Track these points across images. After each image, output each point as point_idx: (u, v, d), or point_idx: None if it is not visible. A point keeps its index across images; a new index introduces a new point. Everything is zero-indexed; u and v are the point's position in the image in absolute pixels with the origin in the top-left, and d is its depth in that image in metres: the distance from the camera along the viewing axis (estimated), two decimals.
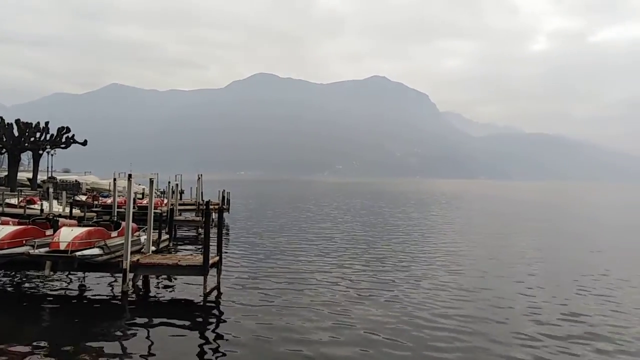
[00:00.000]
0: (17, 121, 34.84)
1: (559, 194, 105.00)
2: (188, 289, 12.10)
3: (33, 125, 35.81)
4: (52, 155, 45.26)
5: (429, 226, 28.86)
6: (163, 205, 25.72)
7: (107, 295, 11.64)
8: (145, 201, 23.62)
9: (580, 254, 19.78)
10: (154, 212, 14.52)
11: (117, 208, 17.65)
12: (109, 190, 34.70)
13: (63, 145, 38.35)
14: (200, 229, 22.21)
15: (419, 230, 26.68)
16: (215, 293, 11.80)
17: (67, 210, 21.64)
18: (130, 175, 12.36)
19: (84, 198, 31.60)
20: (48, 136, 36.89)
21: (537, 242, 23.83)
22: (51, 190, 24.95)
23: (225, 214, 27.86)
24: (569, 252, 20.27)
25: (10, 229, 12.13)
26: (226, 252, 15.62)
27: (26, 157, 46.34)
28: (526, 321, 10.21)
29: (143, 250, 13.06)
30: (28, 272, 12.95)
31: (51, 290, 11.97)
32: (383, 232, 25.33)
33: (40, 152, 37.82)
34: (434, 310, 10.75)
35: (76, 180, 46.08)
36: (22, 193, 27.78)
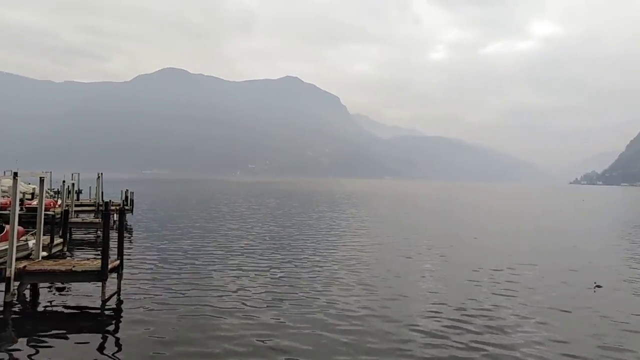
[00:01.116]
0: None
1: (456, 191, 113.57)
2: (85, 296, 11.11)
3: None
4: None
5: (340, 224, 29.52)
6: (57, 206, 23.63)
7: None
8: (35, 202, 21.49)
9: (473, 243, 21.50)
10: (46, 214, 13.30)
11: (1, 210, 15.89)
12: None
13: None
14: (100, 232, 20.73)
15: (330, 228, 27.20)
16: (115, 299, 10.99)
17: None
18: (16, 174, 11.17)
19: None
20: None
21: (440, 235, 25.33)
22: None
23: (128, 215, 26.28)
24: (464, 240, 22.00)
25: None
26: (128, 256, 14.69)
27: None
28: (430, 317, 10.75)
29: (32, 256, 11.92)
30: None
31: None
32: (294, 232, 25.43)
33: None
34: (340, 310, 10.93)
35: None
36: None
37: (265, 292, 12.20)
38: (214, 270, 14.54)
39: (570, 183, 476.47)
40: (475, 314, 10.65)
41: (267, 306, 10.90)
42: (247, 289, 12.46)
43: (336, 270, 15.23)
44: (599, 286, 13.59)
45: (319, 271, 14.98)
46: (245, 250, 18.55)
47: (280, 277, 14.04)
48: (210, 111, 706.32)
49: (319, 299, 11.67)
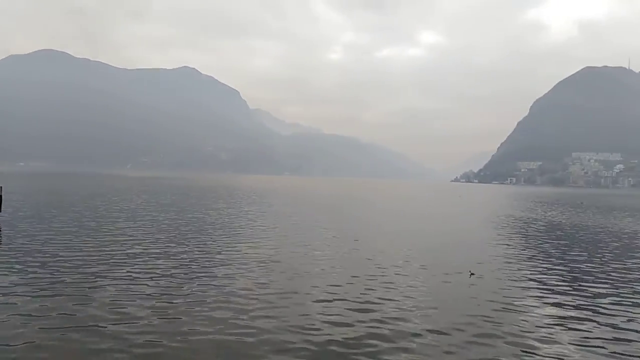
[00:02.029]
0: None
1: (351, 187, 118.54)
2: None
3: None
4: None
5: (238, 222, 28.99)
6: None
7: None
8: None
9: (365, 237, 22.60)
10: None
11: None
12: None
13: None
14: None
15: (227, 226, 26.60)
16: None
17: None
18: None
19: None
20: None
21: (335, 230, 26.10)
22: None
23: None
24: (357, 235, 23.00)
25: None
26: None
27: None
28: (316, 313, 11.09)
29: None
30: None
31: None
32: (190, 230, 24.48)
33: None
34: (231, 309, 10.88)
35: None
36: None
37: (156, 295, 11.53)
38: (98, 275, 13.26)
39: (452, 181, 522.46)
40: (360, 307, 11.19)
41: (152, 312, 10.16)
42: (134, 294, 11.54)
43: (230, 268, 14.98)
44: (472, 274, 15.09)
45: (212, 271, 14.59)
46: (137, 250, 17.41)
47: (170, 276, 13.45)
48: (97, 99, 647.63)
49: (209, 299, 11.41)
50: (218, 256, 16.90)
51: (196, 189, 78.66)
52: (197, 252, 17.47)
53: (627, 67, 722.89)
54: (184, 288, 12.27)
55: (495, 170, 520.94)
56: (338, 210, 43.26)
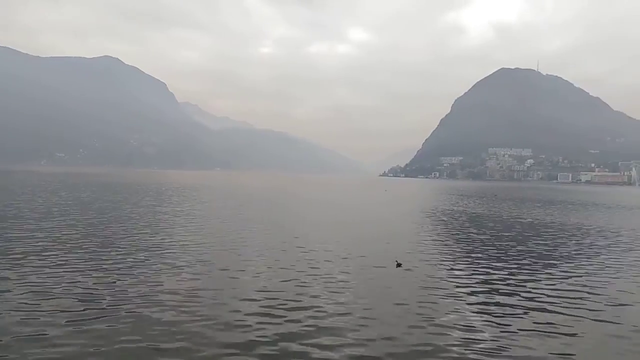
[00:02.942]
0: None
1: (283, 182, 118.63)
2: None
3: None
4: None
5: (167, 220, 28.03)
6: None
7: None
8: None
9: (296, 232, 22.82)
10: None
11: None
12: None
13: None
14: None
15: (154, 226, 25.63)
16: None
17: None
18: None
19: None
20: None
21: (265, 225, 26.13)
22: None
23: None
24: (287, 231, 23.23)
25: None
26: None
27: None
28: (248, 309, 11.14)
29: None
30: None
31: None
32: (113, 231, 23.32)
33: None
34: (158, 310, 10.66)
35: None
36: None
37: (74, 298, 10.94)
38: (6, 279, 12.40)
39: (380, 175, 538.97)
40: (290, 301, 11.39)
41: (67, 321, 9.44)
42: (39, 297, 10.87)
43: (160, 269, 14.48)
44: (399, 264, 15.89)
45: (137, 272, 14.00)
46: (53, 252, 16.31)
47: (90, 280, 12.68)
48: (4, 88, 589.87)
49: (136, 300, 11.06)
50: (143, 255, 16.27)
51: (119, 185, 74.70)
52: (120, 253, 16.71)
53: (536, 69, 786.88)
54: (107, 291, 11.75)
55: (421, 165, 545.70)
56: (269, 205, 43.24)
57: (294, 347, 8.56)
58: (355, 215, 35.79)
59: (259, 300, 11.30)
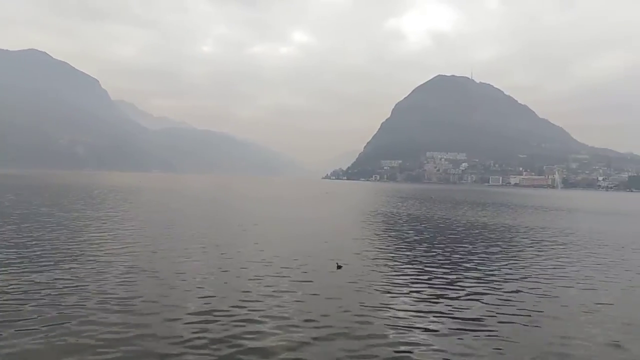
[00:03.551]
0: None
1: (227, 185, 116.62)
2: None
3: None
4: None
5: (101, 224, 26.65)
6: None
7: None
8: None
9: (237, 234, 22.58)
10: None
11: None
12: None
13: None
14: None
15: (87, 231, 24.33)
16: None
17: None
18: None
19: None
20: None
21: (204, 228, 25.57)
22: None
23: None
24: (230, 232, 22.88)
25: None
26: None
27: None
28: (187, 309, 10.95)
29: None
30: None
31: None
32: (39, 239, 21.82)
33: None
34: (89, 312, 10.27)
35: None
36: None
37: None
38: None
39: (323, 178, 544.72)
40: (230, 305, 11.29)
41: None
42: None
43: (87, 277, 13.72)
44: (340, 267, 16.13)
45: (67, 280, 13.28)
46: None
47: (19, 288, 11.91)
48: None
49: (65, 310, 10.46)
50: (74, 264, 15.37)
51: (46, 187, 70.00)
52: (47, 261, 15.67)
53: (470, 77, 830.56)
54: (28, 300, 10.98)
55: (362, 168, 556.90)
56: (208, 209, 42.32)
57: (231, 350, 8.52)
58: (295, 218, 35.88)
59: (196, 305, 11.08)
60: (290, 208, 48.21)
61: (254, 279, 13.86)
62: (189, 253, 17.96)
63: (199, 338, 9.14)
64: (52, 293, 11.67)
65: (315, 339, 9.30)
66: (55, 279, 13.16)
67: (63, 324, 9.58)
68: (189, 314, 10.46)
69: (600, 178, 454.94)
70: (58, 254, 16.76)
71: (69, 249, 17.88)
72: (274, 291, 12.65)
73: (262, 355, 8.42)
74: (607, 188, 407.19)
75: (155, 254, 17.43)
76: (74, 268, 14.52)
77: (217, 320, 10.05)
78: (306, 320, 10.35)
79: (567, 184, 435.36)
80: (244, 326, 9.75)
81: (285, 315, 10.72)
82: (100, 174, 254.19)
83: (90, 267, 14.80)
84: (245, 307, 11.10)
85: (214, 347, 8.65)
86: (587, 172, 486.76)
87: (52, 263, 15.20)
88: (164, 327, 9.59)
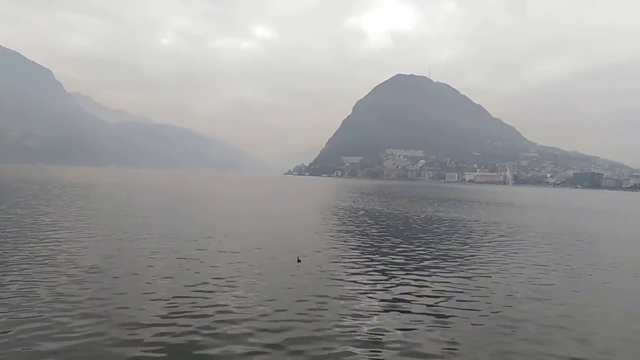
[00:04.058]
0: None
1: (188, 180, 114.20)
2: None
3: None
4: None
5: (56, 221, 26.07)
6: None
7: None
8: None
9: (197, 231, 22.89)
10: None
11: None
12: None
13: None
14: None
15: (37, 228, 23.77)
16: None
17: None
18: None
19: None
20: None
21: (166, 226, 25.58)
22: None
23: None
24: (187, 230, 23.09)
25: None
26: None
27: None
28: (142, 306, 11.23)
29: None
30: None
31: None
32: None
33: None
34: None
35: None
36: None
37: None
38: None
39: (285, 174, 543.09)
40: (189, 300, 11.46)
41: None
42: None
43: (40, 276, 13.52)
44: (299, 260, 16.92)
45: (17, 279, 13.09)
46: None
47: None
48: None
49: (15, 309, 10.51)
50: (25, 265, 15.00)
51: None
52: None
53: (428, 77, 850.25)
54: None
55: (324, 164, 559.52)
56: (167, 204, 42.06)
57: (193, 346, 8.58)
58: (256, 213, 36.28)
59: (154, 305, 11.00)
60: (250, 204, 48.48)
61: (214, 275, 13.97)
62: (147, 250, 17.75)
63: (158, 335, 9.18)
64: (4, 296, 11.09)
65: (274, 330, 9.64)
66: (7, 282, 12.68)
67: (13, 329, 9.15)
68: (148, 314, 10.27)
69: (548, 175, 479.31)
70: (6, 255, 16.25)
71: (19, 249, 17.06)
72: (233, 286, 12.88)
73: (224, 348, 8.55)
74: (554, 184, 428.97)
75: (112, 254, 16.91)
76: (26, 269, 13.82)
77: (177, 318, 10.06)
78: (265, 314, 10.66)
79: (518, 181, 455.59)
80: (205, 324, 9.84)
81: (246, 308, 11.00)
82: (53, 168, 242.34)
83: (43, 268, 14.10)
84: (205, 303, 11.18)
85: (175, 344, 8.61)
86: (536, 169, 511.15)
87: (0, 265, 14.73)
88: (123, 330, 9.27)
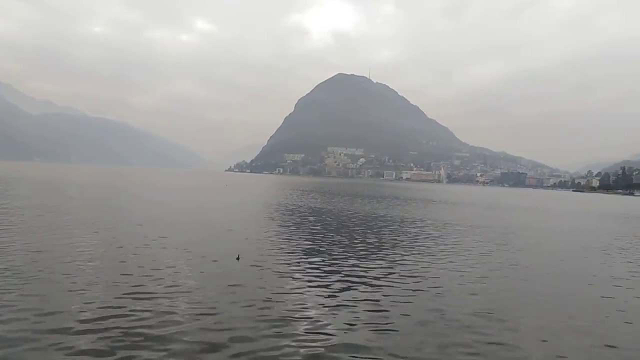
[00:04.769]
0: None
1: (123, 177, 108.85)
2: None
3: None
4: None
5: None
6: None
7: None
8: None
9: (135, 230, 21.89)
10: None
11: None
12: None
13: None
14: None
15: None
16: None
17: None
18: None
19: None
20: None
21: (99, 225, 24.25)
22: None
23: None
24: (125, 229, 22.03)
25: None
26: None
27: None
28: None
29: None
30: None
31: None
32: None
33: None
34: None
35: None
36: None
37: None
38: None
39: (226, 170, 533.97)
40: (126, 301, 11.23)
41: None
42: None
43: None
44: (238, 258, 16.65)
45: None
46: None
47: None
48: None
49: None
50: None
51: None
52: None
53: (368, 77, 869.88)
54: None
55: (266, 161, 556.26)
56: (101, 203, 39.88)
57: (128, 349, 8.38)
58: (193, 211, 35.34)
59: (86, 306, 10.55)
60: (188, 201, 47.12)
61: (147, 273, 13.63)
62: (76, 247, 17.00)
63: (88, 343, 8.94)
64: None
65: (211, 327, 9.57)
66: None
67: None
68: (79, 317, 9.83)
69: (478, 174, 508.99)
70: None
71: None
72: (168, 285, 12.58)
73: (159, 347, 8.42)
74: (483, 183, 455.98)
75: (37, 253, 15.97)
76: None
77: (110, 320, 9.69)
78: (202, 313, 10.51)
79: (451, 179, 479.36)
80: (138, 323, 9.58)
81: (182, 305, 10.82)
82: None
83: None
84: (140, 303, 10.90)
85: (104, 350, 8.30)
86: (467, 168, 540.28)
87: None
88: (52, 336, 8.73)
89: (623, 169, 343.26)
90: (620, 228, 39.78)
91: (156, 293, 11.76)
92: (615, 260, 21.12)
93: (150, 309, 10.52)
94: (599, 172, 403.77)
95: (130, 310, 10.26)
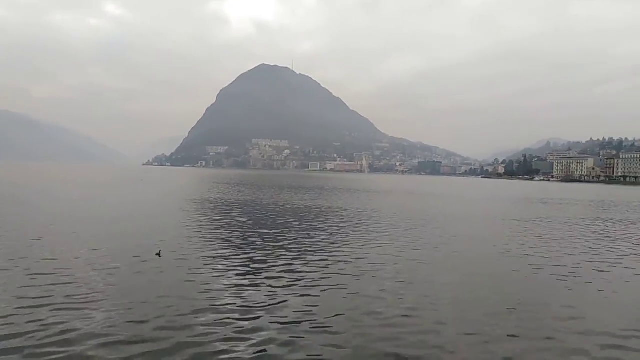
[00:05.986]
0: None
1: (28, 174, 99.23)
2: None
3: None
4: None
5: None
6: None
7: None
8: None
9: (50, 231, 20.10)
10: None
11: None
12: None
13: None
14: None
15: None
16: None
17: None
18: None
19: None
20: None
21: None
22: None
23: None
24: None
25: None
26: None
27: None
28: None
29: None
30: None
31: None
32: None
33: None
34: None
35: None
36: None
37: None
38: None
39: (144, 164, 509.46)
40: (40, 302, 10.50)
41: None
42: None
43: None
44: (159, 254, 15.92)
45: None
46: None
47: None
48: None
49: None
50: None
51: None
52: None
53: (291, 68, 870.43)
54: None
55: (187, 154, 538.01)
56: (9, 201, 36.16)
57: (44, 347, 7.95)
58: (108, 207, 33.26)
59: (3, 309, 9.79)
60: (101, 197, 44.18)
61: (67, 275, 12.83)
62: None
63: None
64: None
65: (131, 322, 9.30)
66: None
67: None
68: None
69: (398, 164, 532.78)
70: None
71: None
72: (87, 283, 11.99)
73: (73, 345, 8.13)
74: (403, 172, 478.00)
75: None
76: None
77: (20, 325, 9.11)
78: (124, 308, 10.16)
79: (373, 169, 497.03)
80: (51, 323, 9.16)
81: (100, 303, 10.36)
82: None
83: None
84: (53, 304, 10.32)
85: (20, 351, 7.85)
86: (387, 158, 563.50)
87: None
88: None
89: (524, 156, 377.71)
90: (519, 212, 43.67)
91: (71, 293, 10.89)
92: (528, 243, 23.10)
93: (65, 307, 9.93)
94: (504, 160, 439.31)
95: (42, 309, 9.36)
